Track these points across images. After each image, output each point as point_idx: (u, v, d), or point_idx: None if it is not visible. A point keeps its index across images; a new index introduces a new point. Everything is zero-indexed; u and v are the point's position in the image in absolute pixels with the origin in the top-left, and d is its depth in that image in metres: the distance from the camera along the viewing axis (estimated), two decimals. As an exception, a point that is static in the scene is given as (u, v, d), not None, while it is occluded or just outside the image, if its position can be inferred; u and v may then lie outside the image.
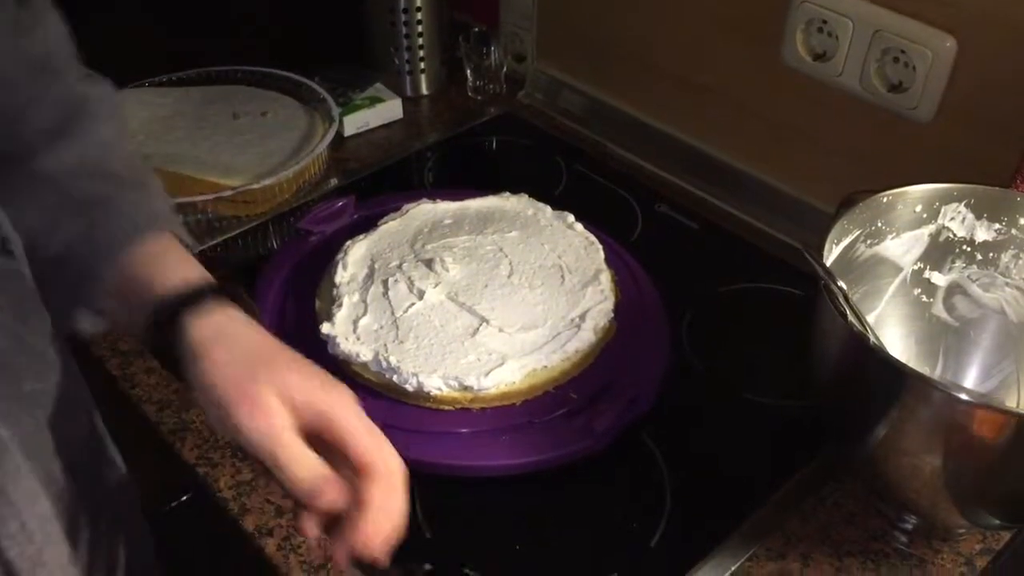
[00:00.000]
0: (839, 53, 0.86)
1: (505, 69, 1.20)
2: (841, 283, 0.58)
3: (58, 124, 0.57)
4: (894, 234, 0.72)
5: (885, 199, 0.69)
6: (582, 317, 0.80)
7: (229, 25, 1.19)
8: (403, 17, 1.16)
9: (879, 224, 0.71)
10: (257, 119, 1.10)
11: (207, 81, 1.15)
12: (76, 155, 0.57)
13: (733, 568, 0.67)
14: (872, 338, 0.59)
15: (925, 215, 0.71)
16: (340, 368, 0.77)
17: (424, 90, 1.22)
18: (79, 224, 0.55)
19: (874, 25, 0.83)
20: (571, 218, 0.91)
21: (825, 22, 0.86)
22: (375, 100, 1.15)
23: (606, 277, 0.85)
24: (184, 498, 0.81)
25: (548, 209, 0.92)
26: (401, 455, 0.72)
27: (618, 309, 0.82)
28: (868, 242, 0.71)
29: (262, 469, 0.73)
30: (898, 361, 0.57)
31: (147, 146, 1.03)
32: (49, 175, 0.56)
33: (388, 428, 0.73)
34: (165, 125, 1.07)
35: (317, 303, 0.83)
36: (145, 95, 1.12)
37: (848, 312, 0.58)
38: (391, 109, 1.16)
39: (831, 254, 0.67)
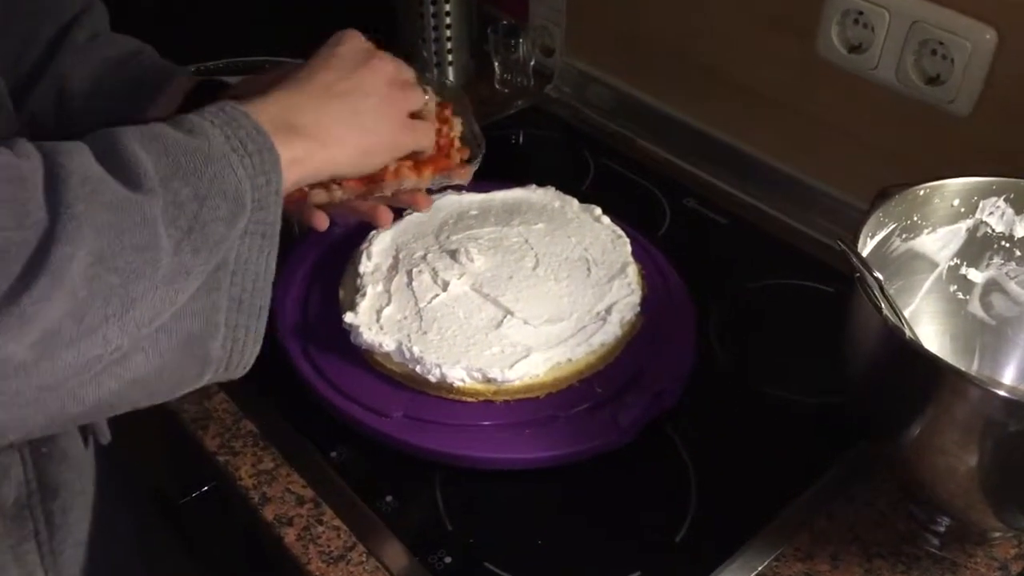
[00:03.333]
0: (875, 45, 0.84)
1: (533, 62, 1.19)
2: (877, 274, 0.56)
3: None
4: (930, 229, 0.70)
5: (922, 192, 0.68)
6: (608, 310, 0.79)
7: (255, 15, 1.19)
8: (432, 9, 1.15)
9: (915, 218, 0.69)
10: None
11: (233, 72, 1.15)
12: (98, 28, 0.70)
13: (760, 568, 0.66)
14: (908, 332, 0.57)
15: (963, 209, 0.69)
16: (363, 357, 0.77)
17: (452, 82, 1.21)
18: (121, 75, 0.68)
19: (911, 16, 0.81)
20: (598, 211, 0.90)
21: (861, 13, 0.84)
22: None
23: (633, 271, 0.83)
24: (205, 489, 0.81)
25: (575, 202, 0.91)
26: (422, 446, 0.72)
27: (644, 303, 0.81)
28: (903, 236, 0.69)
29: (283, 458, 0.74)
30: (935, 356, 0.56)
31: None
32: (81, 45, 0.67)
33: (410, 419, 0.74)
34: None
35: (341, 293, 0.82)
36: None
37: (883, 305, 0.56)
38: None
39: (865, 248, 0.65)
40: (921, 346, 0.56)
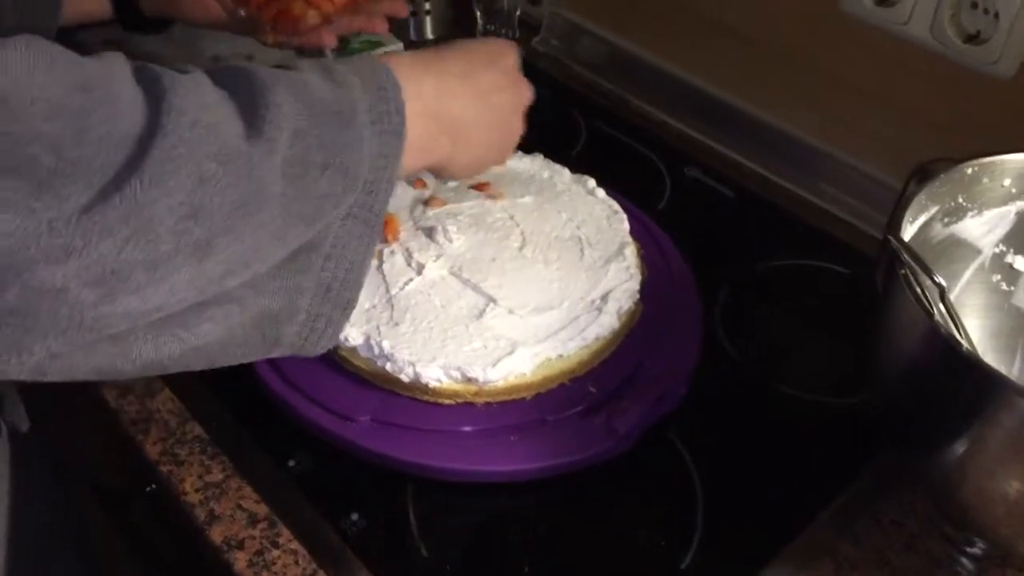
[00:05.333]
0: (907, -3, 0.75)
1: (519, 12, 1.10)
2: (940, 279, 0.47)
3: None
4: (975, 211, 0.61)
5: (969, 171, 0.59)
6: (604, 298, 0.70)
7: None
8: (407, -49, 1.05)
9: (959, 199, 0.60)
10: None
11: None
12: None
13: (777, 600, 0.58)
14: (965, 344, 0.48)
15: (1015, 190, 0.61)
16: (327, 353, 0.68)
17: (429, 34, 1.14)
18: None
19: (951, -36, 0.71)
20: (592, 183, 0.80)
21: (892, -40, 0.75)
22: (375, 44, 1.04)
23: (631, 252, 0.74)
24: (148, 489, 0.72)
25: (566, 172, 0.82)
26: (393, 456, 0.64)
27: (644, 289, 0.72)
28: (945, 220, 0.61)
29: (233, 468, 0.65)
30: (996, 371, 0.47)
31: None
32: None
33: (379, 424, 0.65)
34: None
35: (301, 276, 0.73)
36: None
37: (936, 311, 0.48)
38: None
39: (906, 234, 0.56)
40: (981, 360, 0.47)
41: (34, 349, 0.38)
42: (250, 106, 0.42)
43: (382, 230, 0.49)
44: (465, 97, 0.55)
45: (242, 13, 0.71)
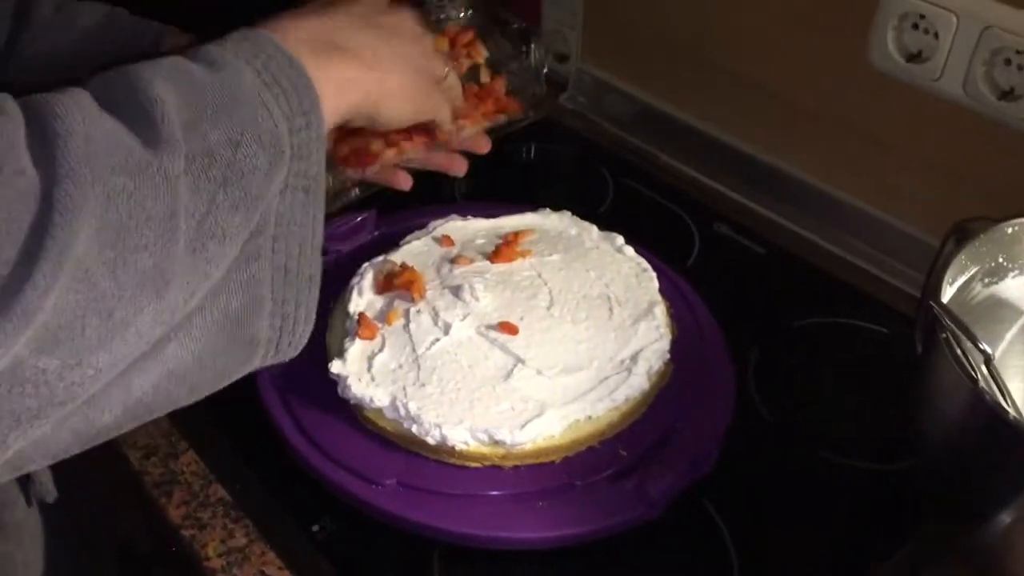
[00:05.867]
0: (939, 53, 0.74)
1: (546, 69, 1.09)
2: (985, 347, 0.46)
3: None
4: (1017, 271, 0.60)
5: (1010, 230, 0.58)
6: (633, 359, 0.68)
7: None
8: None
9: (1000, 259, 0.59)
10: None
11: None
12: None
13: (817, 677, 0.56)
14: (1012, 411, 0.47)
15: (1057, 249, 0.59)
16: (351, 413, 0.67)
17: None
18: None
19: (983, 20, 0.70)
20: (620, 240, 0.79)
21: (923, 16, 0.74)
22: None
23: (661, 310, 0.73)
24: (174, 549, 0.71)
25: (594, 229, 0.81)
26: (418, 521, 0.62)
27: (674, 348, 0.71)
28: (986, 281, 0.59)
29: (257, 533, 0.64)
30: (1046, 441, 0.45)
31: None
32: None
33: (405, 488, 0.64)
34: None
35: (328, 336, 0.72)
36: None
37: (980, 377, 0.46)
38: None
39: (945, 295, 0.55)
40: (1030, 429, 0.45)
41: (8, 441, 0.35)
42: (135, 110, 0.39)
43: (324, 195, 0.45)
44: (350, 23, 0.52)
45: None
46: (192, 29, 0.68)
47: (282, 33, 0.46)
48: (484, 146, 0.71)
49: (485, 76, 0.72)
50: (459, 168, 0.71)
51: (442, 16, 0.70)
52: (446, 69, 0.62)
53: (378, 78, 0.52)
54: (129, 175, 0.36)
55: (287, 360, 0.48)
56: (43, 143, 0.35)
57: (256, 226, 0.42)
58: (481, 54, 0.71)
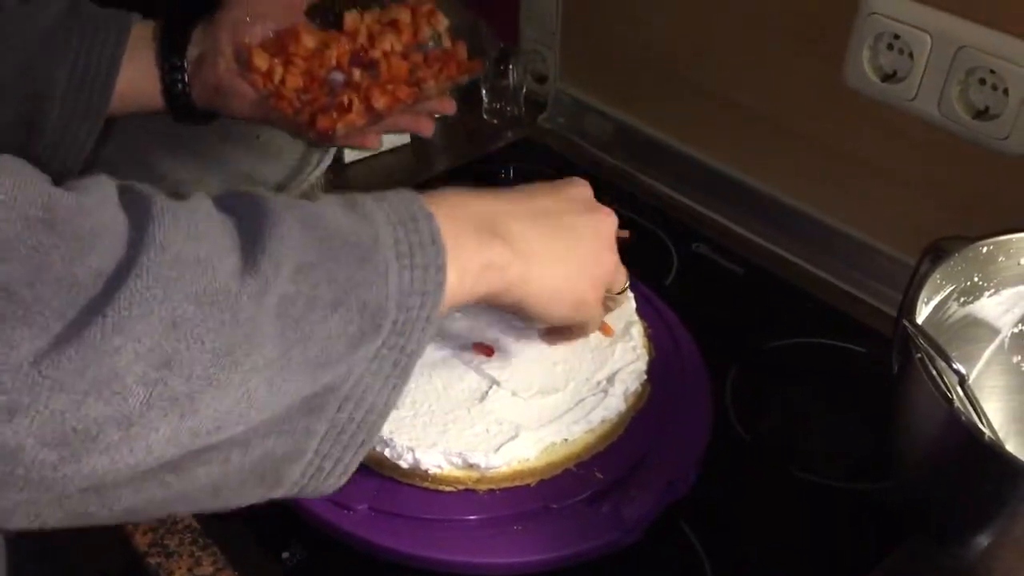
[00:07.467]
0: (913, 73, 0.74)
1: (524, 90, 1.10)
2: (959, 367, 0.46)
3: None
4: (992, 291, 0.60)
5: (984, 249, 0.57)
6: (610, 380, 0.68)
7: None
8: (413, 32, 1.05)
9: (975, 279, 0.58)
10: (251, 141, 0.99)
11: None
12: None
13: None
14: (987, 432, 0.46)
15: (1032, 268, 0.59)
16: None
17: (435, 112, 1.11)
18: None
19: (957, 41, 0.71)
20: (597, 260, 0.79)
21: (897, 37, 0.74)
22: (380, 122, 1.04)
23: (638, 331, 0.72)
24: None
25: (571, 249, 0.80)
26: (391, 547, 0.61)
27: (651, 369, 0.70)
28: (961, 300, 0.59)
29: (225, 560, 0.62)
30: (1020, 462, 0.45)
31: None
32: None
33: (377, 513, 0.63)
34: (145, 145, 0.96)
35: (300, 357, 0.71)
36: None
37: (955, 397, 0.46)
38: (398, 133, 1.05)
39: (920, 315, 0.55)
40: (1005, 451, 0.45)
41: None
42: (251, 236, 0.38)
43: (412, 370, 0.43)
44: (524, 214, 0.50)
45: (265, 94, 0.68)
46: (155, 14, 0.69)
47: (448, 208, 0.45)
48: (449, 107, 0.75)
49: (447, 41, 0.75)
50: (426, 128, 0.74)
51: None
52: (625, 284, 0.62)
53: (527, 272, 0.50)
54: (199, 304, 0.35)
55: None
56: (136, 247, 0.34)
57: (329, 382, 0.40)
58: (441, 22, 0.74)
